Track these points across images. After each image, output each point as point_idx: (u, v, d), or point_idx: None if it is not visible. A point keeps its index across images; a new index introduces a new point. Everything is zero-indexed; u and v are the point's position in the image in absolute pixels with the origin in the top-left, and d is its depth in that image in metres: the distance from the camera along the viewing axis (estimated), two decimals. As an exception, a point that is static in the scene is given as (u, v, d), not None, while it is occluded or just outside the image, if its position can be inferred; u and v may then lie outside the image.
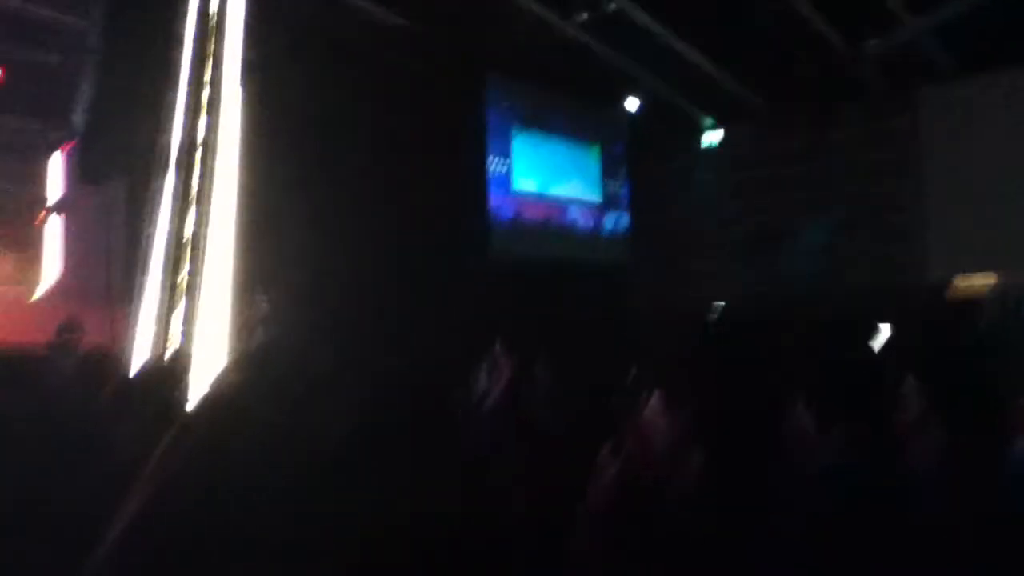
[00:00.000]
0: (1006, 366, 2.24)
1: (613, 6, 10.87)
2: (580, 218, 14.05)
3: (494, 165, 12.66)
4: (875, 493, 1.89)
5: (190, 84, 7.85)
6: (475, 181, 12.13)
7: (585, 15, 11.09)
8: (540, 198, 13.49)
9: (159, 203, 7.50)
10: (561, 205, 13.79)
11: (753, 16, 10.66)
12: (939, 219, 11.48)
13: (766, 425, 1.77)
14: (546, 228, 13.45)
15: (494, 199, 12.56)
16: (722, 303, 13.04)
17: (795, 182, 12.76)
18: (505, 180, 12.90)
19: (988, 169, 10.90)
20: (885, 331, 10.16)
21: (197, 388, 6.03)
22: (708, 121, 14.02)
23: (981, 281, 11.54)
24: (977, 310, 11.46)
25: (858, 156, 12.24)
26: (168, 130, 7.66)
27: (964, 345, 2.42)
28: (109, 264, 8.26)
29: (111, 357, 4.58)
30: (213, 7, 8.14)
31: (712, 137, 14.05)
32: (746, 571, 1.53)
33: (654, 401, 1.71)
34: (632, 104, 13.49)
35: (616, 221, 14.58)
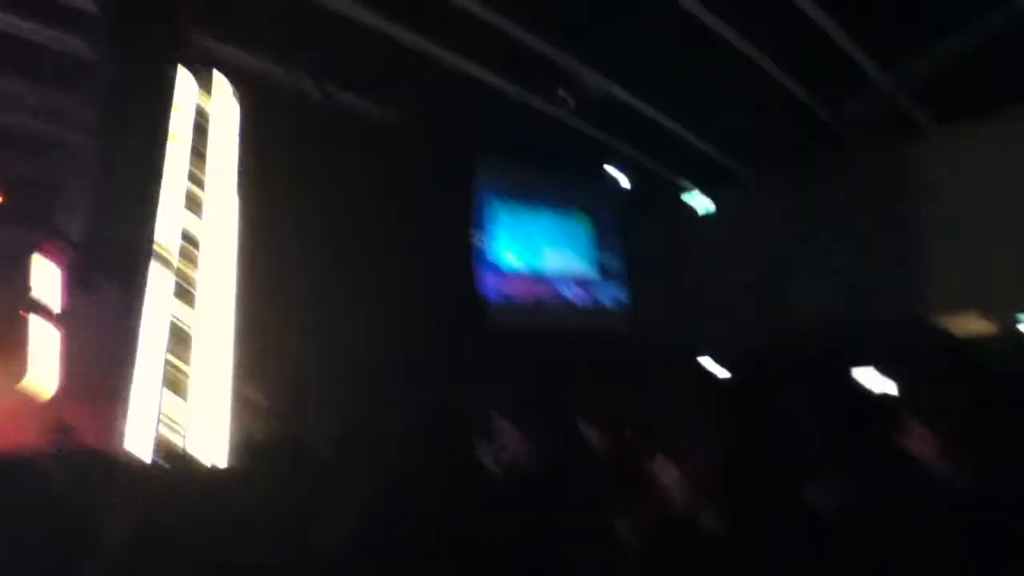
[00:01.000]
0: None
1: (595, 87, 11.11)
2: (574, 293, 14.02)
3: (486, 244, 12.76)
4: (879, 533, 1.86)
5: (185, 180, 7.97)
6: (470, 262, 12.21)
7: (568, 97, 11.31)
8: (531, 275, 13.47)
9: (151, 301, 7.51)
10: (553, 281, 13.77)
11: (731, 87, 10.89)
12: (931, 270, 11.56)
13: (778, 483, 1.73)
14: (539, 306, 13.40)
15: (488, 278, 12.60)
16: (723, 366, 13.01)
17: (786, 243, 12.88)
18: (496, 258, 12.96)
19: (976, 217, 11.02)
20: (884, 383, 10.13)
21: (197, 485, 5.93)
22: (697, 191, 14.22)
23: (975, 327, 11.58)
24: (974, 352, 11.45)
25: (846, 214, 12.37)
26: (154, 225, 7.73)
27: (976, 392, 2.38)
28: (104, 364, 8.22)
29: (107, 458, 4.52)
30: (206, 106, 8.32)
31: (702, 204, 14.23)
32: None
33: (661, 459, 1.68)
34: (619, 177, 13.68)
35: (612, 294, 14.55)
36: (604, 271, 14.51)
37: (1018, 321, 11.31)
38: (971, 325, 11.51)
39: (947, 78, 10.30)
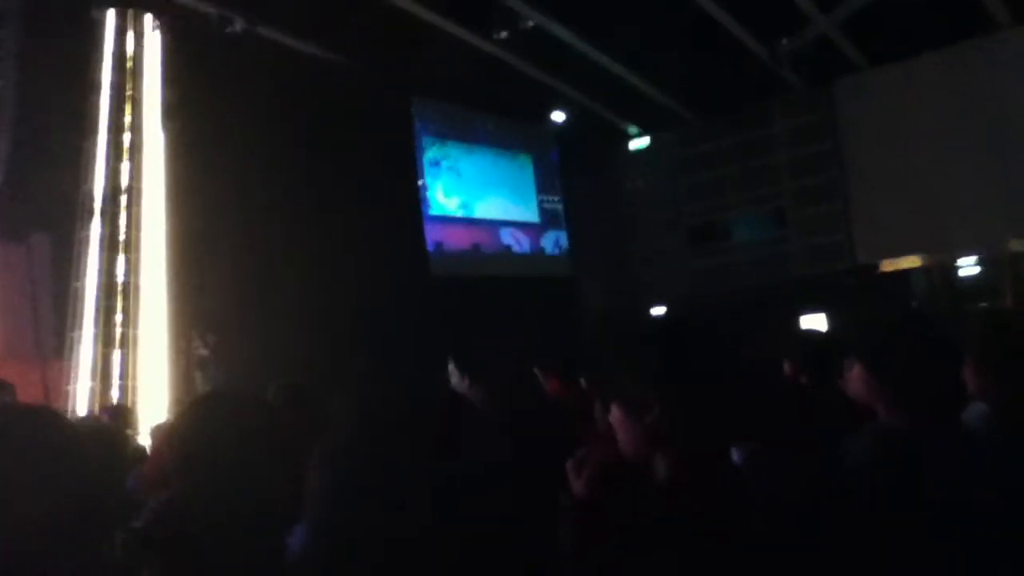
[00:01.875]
0: (943, 338, 2.29)
1: (531, 23, 10.94)
2: (515, 241, 13.67)
3: (424, 190, 12.46)
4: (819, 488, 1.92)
5: (110, 130, 7.69)
6: (408, 207, 12.05)
7: (504, 33, 11.13)
8: (470, 221, 13.10)
9: (85, 254, 7.30)
10: (493, 226, 13.41)
11: (669, 24, 10.84)
12: (862, 206, 11.82)
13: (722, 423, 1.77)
14: (477, 253, 13.01)
15: (427, 226, 12.34)
16: (663, 308, 13.24)
17: (725, 182, 13.02)
18: (434, 204, 12.61)
19: (902, 155, 11.27)
20: (819, 321, 10.44)
21: (139, 441, 5.87)
22: (634, 130, 14.19)
23: (906, 263, 11.94)
24: (905, 289, 11.84)
25: (783, 152, 12.54)
26: (90, 179, 7.48)
27: (900, 322, 2.44)
28: (37, 320, 7.99)
29: (46, 414, 4.42)
30: (129, 50, 7.99)
31: (639, 143, 14.22)
32: (732, 558, 1.54)
33: (614, 410, 1.71)
34: (558, 117, 13.54)
35: (556, 240, 14.30)
36: (544, 214, 14.28)
37: (950, 262, 11.70)
38: (900, 264, 11.89)
39: (879, 19, 10.41)
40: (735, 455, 1.98)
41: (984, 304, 10.83)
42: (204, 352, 7.81)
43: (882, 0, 10.12)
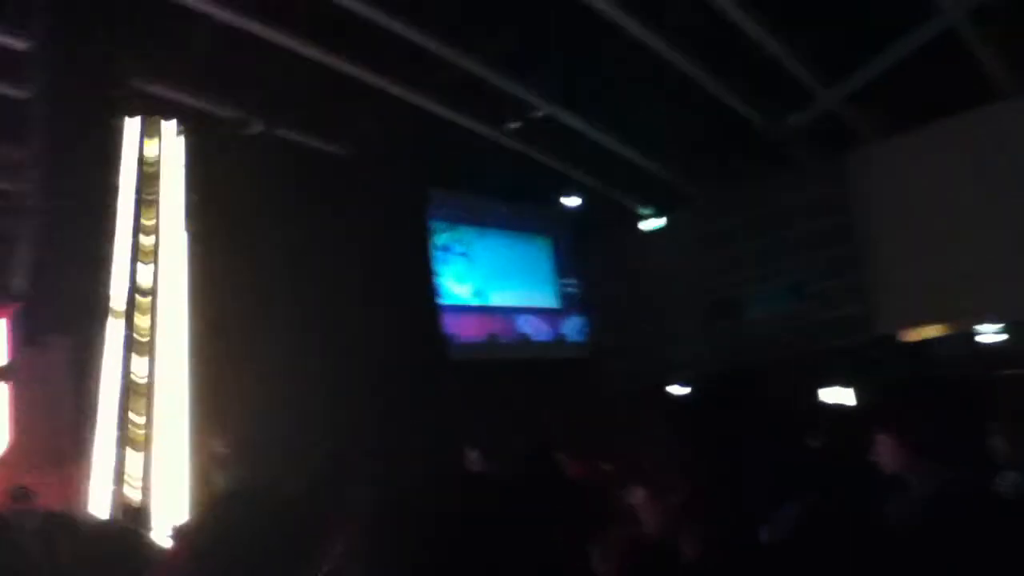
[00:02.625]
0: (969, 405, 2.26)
1: (541, 113, 11.19)
2: (533, 329, 13.37)
3: (440, 279, 12.35)
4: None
5: (133, 232, 7.83)
6: (426, 299, 12.08)
7: (515, 124, 11.38)
8: (488, 309, 12.83)
9: (105, 355, 7.35)
10: (510, 313, 13.10)
11: (676, 107, 11.06)
12: (879, 276, 11.75)
13: (746, 503, 1.74)
14: (493, 344, 12.66)
15: (445, 315, 12.14)
16: (686, 388, 13.11)
17: (741, 258, 13.01)
18: (445, 293, 12.36)
19: (917, 224, 11.24)
20: (842, 393, 10.29)
21: (159, 541, 5.80)
22: (647, 210, 14.28)
23: (927, 332, 11.81)
24: (928, 357, 11.70)
25: (797, 225, 12.55)
26: (109, 281, 7.58)
27: (924, 390, 2.42)
28: (58, 424, 8.00)
29: (67, 520, 4.40)
30: (151, 153, 8.21)
31: (654, 224, 14.29)
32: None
33: (638, 492, 1.68)
34: (572, 202, 13.67)
35: (578, 326, 14.04)
36: (565, 299, 14.13)
37: (970, 330, 11.57)
38: (921, 333, 11.75)
39: (885, 90, 10.56)
40: (784, 513, 1.94)
41: (1009, 371, 10.65)
42: (222, 450, 7.76)
43: (886, 74, 10.27)
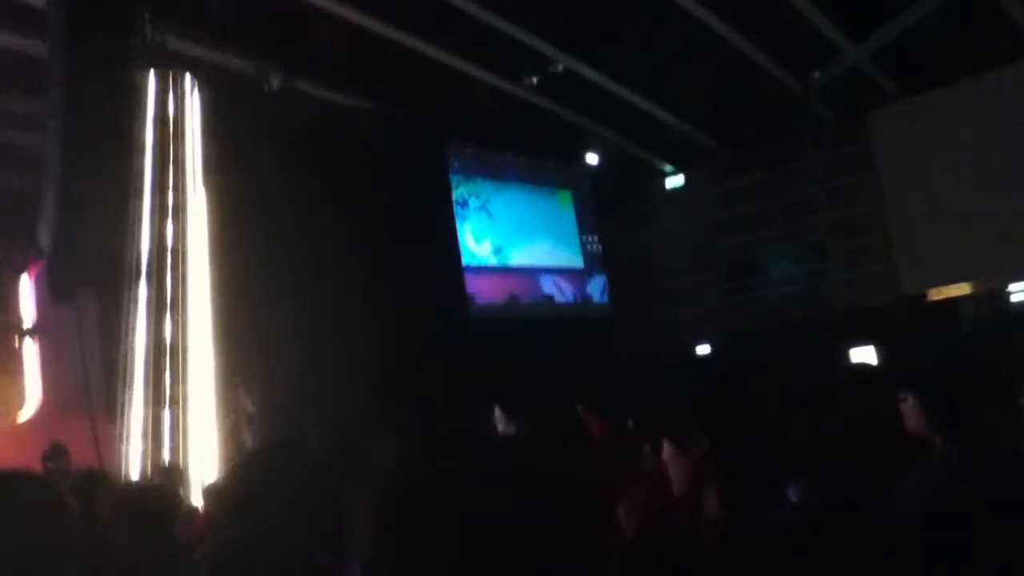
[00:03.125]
0: (997, 367, 2.25)
1: (561, 67, 11.06)
2: (558, 290, 13.10)
3: (462, 237, 12.23)
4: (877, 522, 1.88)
5: (154, 190, 7.86)
6: (448, 253, 12.08)
7: (534, 78, 11.26)
8: (509, 268, 12.59)
9: (133, 314, 7.43)
10: (532, 275, 12.83)
11: (699, 61, 10.91)
12: (905, 236, 11.64)
13: (772, 458, 1.75)
14: (514, 305, 12.39)
15: (466, 274, 12.03)
16: (707, 346, 13.11)
17: (761, 217, 12.90)
18: (463, 252, 12.12)
19: (943, 183, 11.11)
20: (868, 353, 10.25)
21: (192, 499, 5.92)
22: (669, 168, 14.17)
23: (954, 291, 11.70)
24: (954, 317, 11.62)
25: (819, 185, 12.44)
26: (136, 239, 7.63)
27: (950, 354, 2.41)
28: (88, 382, 8.13)
29: (102, 477, 4.49)
30: (170, 111, 8.20)
31: (675, 182, 14.18)
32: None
33: (665, 447, 1.70)
34: (592, 158, 13.58)
35: (603, 285, 13.82)
36: (589, 257, 13.93)
37: (999, 288, 11.45)
38: (948, 293, 11.65)
39: (911, 47, 10.36)
40: (791, 494, 1.95)
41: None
42: (251, 408, 7.87)
43: (913, 29, 10.08)
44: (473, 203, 12.51)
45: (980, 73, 10.77)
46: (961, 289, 11.72)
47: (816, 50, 10.78)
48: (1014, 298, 11.60)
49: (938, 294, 11.69)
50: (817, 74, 11.33)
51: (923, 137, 11.35)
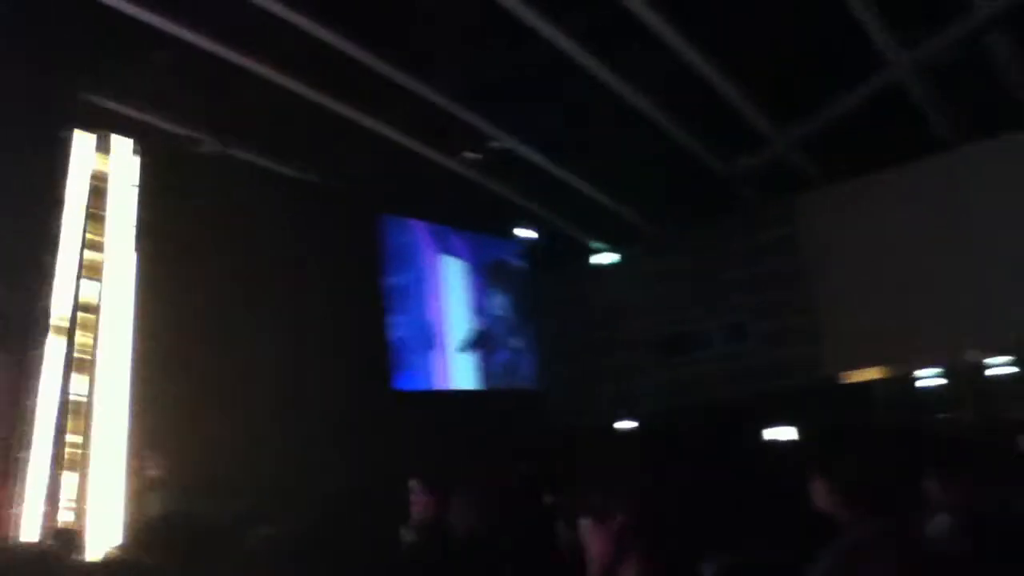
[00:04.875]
0: (904, 448, 2.31)
1: (497, 144, 11.26)
2: (484, 357, 13.50)
3: (393, 309, 12.26)
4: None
5: (78, 248, 7.68)
6: (380, 327, 11.97)
7: (471, 155, 11.43)
8: (438, 341, 12.85)
9: (41, 373, 7.16)
10: (461, 346, 13.22)
11: (633, 144, 11.22)
12: (829, 319, 11.97)
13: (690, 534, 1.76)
14: (448, 374, 12.80)
15: (396, 347, 12.08)
16: (630, 423, 13.18)
17: (689, 296, 13.15)
18: (404, 325, 12.35)
19: (870, 268, 11.49)
20: (786, 433, 10.45)
21: (91, 564, 5.62)
22: (599, 245, 14.40)
23: (870, 375, 12.06)
24: (868, 399, 11.95)
25: (745, 266, 12.75)
26: (50, 296, 7.41)
27: (853, 434, 2.47)
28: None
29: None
30: (102, 168, 8.08)
31: (605, 258, 14.39)
32: None
33: (582, 522, 1.69)
34: (526, 232, 13.77)
35: (522, 355, 14.16)
36: (513, 331, 14.17)
37: (911, 373, 11.85)
38: (866, 376, 11.99)
39: (835, 137, 10.84)
40: (706, 570, 1.95)
41: (943, 415, 10.92)
42: (154, 473, 7.58)
43: (837, 120, 10.56)
44: (418, 281, 12.77)
45: (900, 165, 11.27)
46: (878, 372, 12.07)
47: (744, 136, 11.19)
48: (922, 383, 12.02)
49: (853, 377, 12.01)
50: (745, 159, 11.72)
51: (848, 223, 11.77)
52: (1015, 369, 11.38)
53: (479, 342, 13.52)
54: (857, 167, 11.53)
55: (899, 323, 11.04)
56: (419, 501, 3.26)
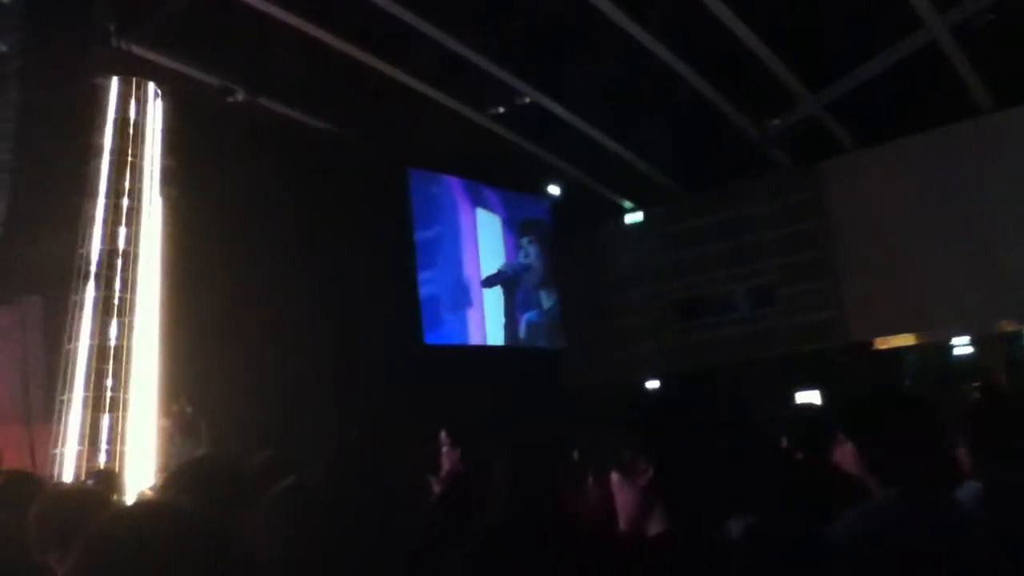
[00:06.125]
0: (935, 416, 2.31)
1: (527, 99, 11.16)
2: (506, 314, 13.56)
3: (416, 262, 12.31)
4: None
5: (108, 194, 7.75)
6: (402, 278, 12.01)
7: (500, 108, 11.34)
8: (462, 297, 12.89)
9: (79, 317, 7.29)
10: (485, 303, 13.25)
11: (662, 102, 11.09)
12: (854, 284, 11.88)
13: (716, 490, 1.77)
14: (471, 330, 12.92)
15: (419, 302, 12.11)
16: (656, 383, 13.20)
17: (713, 258, 13.09)
18: (426, 282, 12.38)
19: (891, 234, 11.38)
20: (813, 397, 10.43)
21: (127, 505, 5.76)
22: (628, 204, 14.33)
23: (899, 341, 11.97)
24: (898, 367, 11.86)
25: (771, 230, 12.65)
26: (86, 242, 7.50)
27: (887, 399, 2.47)
28: (27, 383, 7.92)
29: (34, 479, 4.37)
30: (131, 117, 8.10)
31: (633, 218, 14.34)
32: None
33: (612, 477, 1.71)
34: (553, 190, 13.72)
35: (544, 312, 14.19)
36: (538, 285, 14.19)
37: (943, 341, 11.74)
38: (893, 343, 11.91)
39: (866, 100, 10.67)
40: (733, 528, 1.98)
41: (976, 384, 10.84)
42: (188, 416, 7.74)
43: (869, 83, 10.39)
44: (433, 231, 12.68)
45: (929, 130, 11.10)
46: (906, 340, 11.99)
47: (775, 98, 11.03)
48: (956, 351, 11.91)
49: (883, 343, 11.94)
50: (776, 121, 11.58)
51: (873, 189, 11.65)
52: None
53: (508, 297, 13.57)
54: (886, 131, 11.36)
55: (924, 291, 10.96)
56: (448, 453, 3.31)
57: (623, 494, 1.68)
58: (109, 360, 7.14)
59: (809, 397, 10.41)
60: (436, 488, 3.27)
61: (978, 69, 10.18)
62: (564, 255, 14.37)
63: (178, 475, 2.56)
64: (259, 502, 1.95)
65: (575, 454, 3.66)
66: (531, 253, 14.08)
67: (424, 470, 3.54)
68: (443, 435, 3.34)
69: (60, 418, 6.89)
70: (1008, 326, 11.18)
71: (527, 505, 2.61)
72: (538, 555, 1.41)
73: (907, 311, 11.33)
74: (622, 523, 1.70)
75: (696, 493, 1.61)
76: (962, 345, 11.87)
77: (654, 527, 1.63)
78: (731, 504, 1.90)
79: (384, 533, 1.79)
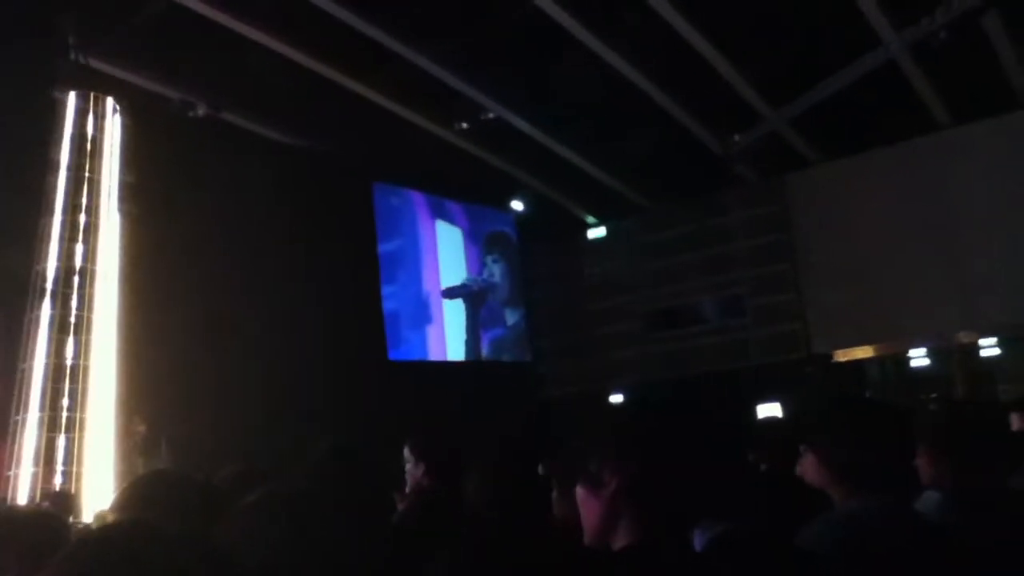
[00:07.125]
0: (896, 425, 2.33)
1: (491, 114, 11.17)
2: (472, 327, 13.59)
3: (381, 275, 12.28)
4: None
5: (65, 210, 7.62)
6: (367, 289, 11.95)
7: (464, 124, 11.34)
8: (427, 311, 12.92)
9: (35, 335, 7.14)
10: (448, 318, 13.27)
11: (626, 117, 11.16)
12: (816, 297, 12.03)
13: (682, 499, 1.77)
14: (437, 345, 12.88)
15: (384, 315, 12.11)
16: (622, 396, 13.23)
17: (682, 269, 13.19)
18: (393, 296, 12.41)
19: (857, 247, 11.55)
20: (775, 409, 10.53)
21: (82, 527, 5.63)
22: (592, 219, 14.41)
23: (859, 353, 12.14)
24: (859, 378, 12.02)
25: (739, 241, 12.79)
26: (42, 259, 7.36)
27: (847, 409, 2.49)
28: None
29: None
30: (89, 132, 7.99)
31: (596, 233, 14.42)
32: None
33: (577, 489, 1.69)
34: (517, 205, 13.76)
35: (512, 325, 14.25)
36: (503, 302, 14.23)
37: (902, 352, 11.92)
38: (856, 354, 12.07)
39: (828, 116, 10.83)
40: (697, 539, 1.97)
41: (935, 394, 11.01)
42: (143, 435, 7.60)
43: (830, 99, 10.55)
44: (399, 246, 12.68)
45: (891, 144, 11.29)
46: (866, 352, 12.16)
47: (738, 114, 11.15)
48: (915, 363, 12.09)
49: (844, 355, 12.09)
50: (737, 137, 11.71)
51: (837, 202, 11.83)
52: (1003, 350, 11.49)
53: (472, 312, 13.52)
54: (848, 146, 11.55)
55: (887, 304, 11.13)
56: (411, 470, 3.26)
57: (588, 506, 1.66)
58: (66, 379, 7.00)
59: (770, 410, 10.52)
60: (399, 505, 3.24)
61: (935, 85, 10.40)
62: (535, 266, 14.41)
63: (133, 491, 2.50)
64: (233, 511, 1.91)
65: (539, 468, 3.65)
66: (495, 272, 14.08)
67: (389, 486, 3.50)
68: (406, 451, 3.30)
69: (15, 439, 6.73)
70: (966, 337, 11.38)
71: (503, 516, 2.60)
72: (515, 566, 1.39)
73: (869, 323, 11.49)
74: (587, 536, 1.68)
75: (663, 504, 1.59)
76: (921, 357, 12.07)
77: (620, 540, 1.61)
78: (698, 514, 1.90)
79: (361, 540, 1.76)
